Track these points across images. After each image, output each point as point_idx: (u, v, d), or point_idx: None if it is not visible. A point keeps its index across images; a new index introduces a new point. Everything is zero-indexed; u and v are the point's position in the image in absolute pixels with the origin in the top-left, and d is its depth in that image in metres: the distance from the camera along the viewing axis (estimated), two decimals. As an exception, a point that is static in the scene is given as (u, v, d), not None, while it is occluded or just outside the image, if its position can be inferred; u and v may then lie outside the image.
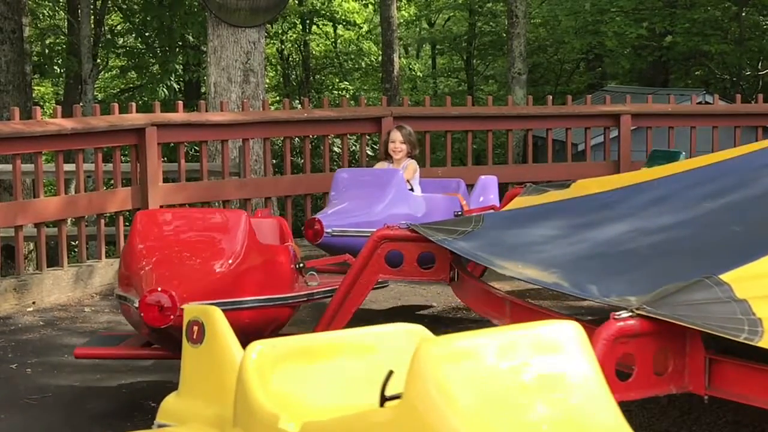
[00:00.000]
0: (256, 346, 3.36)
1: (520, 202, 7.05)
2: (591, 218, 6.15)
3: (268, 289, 5.68)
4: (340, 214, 7.69)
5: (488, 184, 9.07)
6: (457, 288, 6.24)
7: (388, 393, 2.84)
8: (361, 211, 7.74)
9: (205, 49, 15.24)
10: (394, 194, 7.97)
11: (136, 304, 5.09)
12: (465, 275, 6.05)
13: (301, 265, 6.32)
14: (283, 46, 30.74)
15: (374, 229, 7.23)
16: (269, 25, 25.13)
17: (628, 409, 5.61)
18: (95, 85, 22.26)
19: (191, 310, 3.96)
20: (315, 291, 6.29)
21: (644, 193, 6.34)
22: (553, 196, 6.91)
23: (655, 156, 10.01)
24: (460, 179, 9.30)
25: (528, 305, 5.36)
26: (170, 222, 5.85)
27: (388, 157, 8.88)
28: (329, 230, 7.46)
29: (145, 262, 5.37)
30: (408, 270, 6.14)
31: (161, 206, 9.68)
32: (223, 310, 4.68)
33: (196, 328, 3.84)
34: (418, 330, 3.48)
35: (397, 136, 8.83)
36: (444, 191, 8.87)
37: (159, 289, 5.07)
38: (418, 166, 8.87)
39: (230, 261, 5.49)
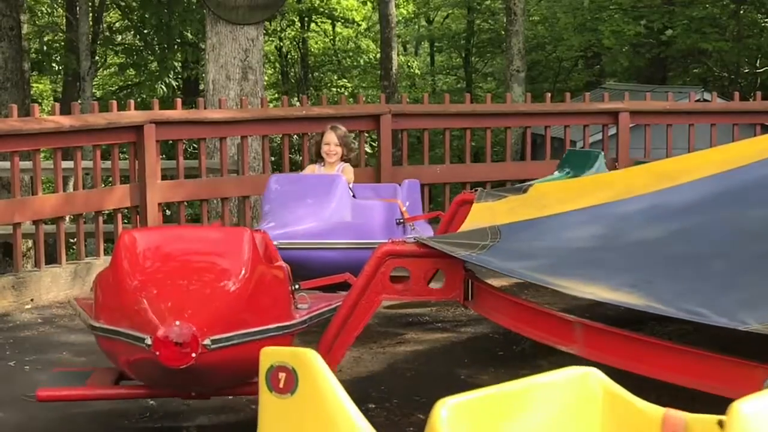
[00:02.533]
0: (446, 402, 2.90)
1: (481, 209, 6.73)
2: (635, 225, 5.66)
3: (275, 314, 4.95)
4: (285, 226, 7.04)
5: (412, 188, 8.52)
6: (478, 306, 5.65)
7: None
8: (307, 222, 7.14)
9: (203, 46, 15.24)
10: (339, 201, 7.41)
11: (148, 342, 4.32)
12: (498, 293, 5.55)
13: (297, 286, 5.54)
14: (281, 44, 30.71)
15: (323, 241, 7.00)
16: (268, 23, 25.11)
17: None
18: (93, 83, 22.24)
19: (273, 353, 3.25)
20: (314, 314, 5.41)
21: (677, 195, 5.87)
22: (516, 201, 6.69)
23: (570, 157, 9.91)
24: (396, 184, 8.65)
25: (608, 329, 4.76)
26: (162, 241, 5.07)
27: (319, 159, 8.34)
28: (275, 244, 6.59)
29: (142, 290, 4.63)
30: (416, 288, 5.57)
31: (159, 204, 9.68)
32: (244, 343, 4.50)
33: (283, 375, 3.21)
34: (594, 374, 3.13)
35: (331, 137, 8.24)
36: (377, 196, 8.24)
37: (177, 323, 4.34)
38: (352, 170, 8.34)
39: (240, 284, 4.73)
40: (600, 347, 4.61)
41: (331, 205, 7.30)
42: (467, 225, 6.36)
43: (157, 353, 4.30)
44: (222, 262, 4.86)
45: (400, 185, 8.56)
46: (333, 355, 5.35)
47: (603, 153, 9.70)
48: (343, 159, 8.27)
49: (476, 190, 7.26)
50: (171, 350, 4.30)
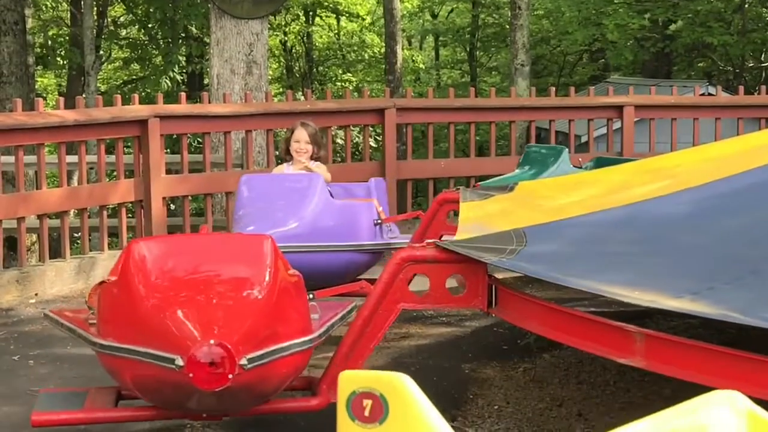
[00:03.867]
0: None
1: (470, 208, 6.43)
2: (677, 226, 5.33)
3: (299, 327, 4.53)
4: (267, 229, 6.48)
5: (380, 187, 8.08)
6: (505, 313, 5.27)
7: None
8: (288, 224, 6.71)
9: (208, 40, 15.21)
10: (319, 202, 6.95)
11: (179, 363, 3.91)
12: (535, 300, 5.17)
13: (312, 295, 5.15)
14: (286, 38, 30.72)
15: (306, 244, 6.59)
16: (272, 17, 25.10)
17: (630, 401, 5.64)
18: (98, 77, 22.26)
19: (354, 378, 2.84)
20: (328, 324, 4.95)
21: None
22: (505, 200, 6.51)
23: (532, 153, 9.86)
24: (369, 183, 8.12)
25: (676, 340, 4.41)
26: (177, 251, 4.62)
27: (288, 157, 7.85)
28: None
29: (164, 305, 4.20)
30: (436, 296, 5.22)
31: (164, 198, 9.68)
32: (276, 359, 4.15)
33: (368, 402, 2.80)
34: (737, 398, 2.72)
35: (302, 134, 7.74)
36: (349, 196, 7.76)
37: (211, 341, 3.93)
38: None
39: (267, 296, 4.31)
40: (666, 359, 4.27)
41: (311, 206, 6.88)
42: (463, 226, 6.03)
43: (191, 375, 3.92)
44: (245, 272, 4.45)
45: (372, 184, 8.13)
46: (349, 367, 4.90)
47: (567, 149, 9.65)
48: (313, 157, 7.81)
49: (458, 189, 7.03)
50: (206, 372, 3.92)
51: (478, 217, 6.21)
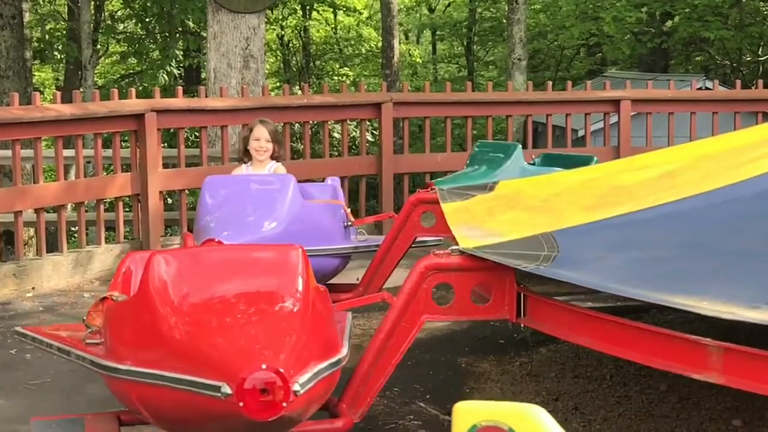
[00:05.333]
0: None
1: (455, 210, 6.16)
2: (729, 228, 4.98)
3: (333, 343, 4.13)
4: (243, 234, 6.27)
5: (337, 187, 7.73)
6: (538, 324, 4.96)
7: None
8: (265, 228, 6.45)
9: (205, 34, 15.22)
10: (293, 204, 6.69)
11: (226, 390, 3.47)
12: (581, 311, 4.79)
13: None
14: (283, 32, 30.69)
15: None
16: (269, 11, 25.10)
17: (627, 395, 5.65)
18: (95, 71, 22.24)
19: (475, 410, 2.54)
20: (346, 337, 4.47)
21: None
22: (491, 200, 6.29)
23: (483, 150, 9.82)
24: (335, 183, 7.76)
25: (757, 352, 3.99)
26: (202, 264, 4.12)
27: (246, 158, 7.50)
28: None
29: (198, 326, 3.78)
30: (461, 307, 4.93)
31: (161, 192, 9.68)
32: (319, 381, 3.74)
33: None
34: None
35: (261, 132, 7.40)
36: (308, 197, 7.25)
37: (263, 365, 3.49)
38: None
39: (305, 312, 3.92)
40: (748, 374, 3.95)
41: (286, 209, 6.61)
42: (457, 230, 5.71)
43: (241, 404, 3.48)
44: (280, 286, 4.02)
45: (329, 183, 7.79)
46: (370, 385, 4.74)
47: (520, 145, 9.63)
48: (274, 156, 7.46)
49: (432, 189, 6.73)
50: (258, 400, 3.48)
51: (467, 219, 5.98)
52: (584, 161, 9.44)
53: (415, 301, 4.82)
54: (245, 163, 7.52)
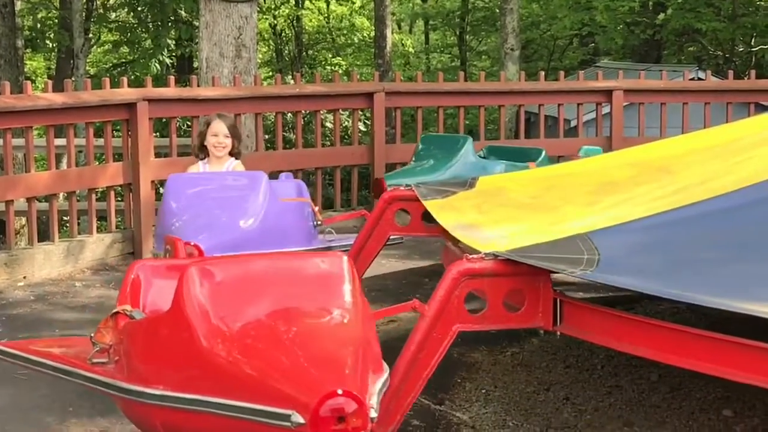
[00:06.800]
0: None
1: (441, 207, 6.00)
2: None
3: (379, 359, 3.73)
4: (222, 235, 6.00)
5: (301, 185, 7.27)
6: (579, 332, 4.66)
7: None
8: (243, 229, 6.15)
9: (197, 24, 15.17)
10: (268, 203, 6.34)
11: (297, 419, 3.06)
12: (639, 318, 4.47)
13: None
14: (275, 21, 30.65)
15: (251, 251, 5.79)
16: (262, 0, 25.05)
17: (618, 384, 5.66)
18: (87, 60, 22.21)
19: None
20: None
21: None
22: (477, 197, 6.15)
23: (430, 143, 9.81)
24: (300, 181, 7.44)
25: None
26: (245, 276, 3.65)
27: (203, 152, 7.08)
28: None
29: (250, 346, 3.34)
30: (494, 315, 4.62)
31: (152, 181, 9.66)
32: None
33: None
34: None
35: (220, 127, 6.95)
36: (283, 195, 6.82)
37: (339, 390, 3.06)
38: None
39: (361, 328, 3.53)
40: None
41: (261, 208, 6.28)
42: (452, 227, 5.62)
43: None
44: (333, 301, 3.60)
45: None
46: (400, 401, 4.43)
47: (471, 138, 9.62)
48: (233, 153, 7.06)
49: (408, 187, 6.42)
50: (333, 429, 3.06)
51: (458, 218, 5.82)
52: (530, 153, 9.51)
53: (446, 310, 4.50)
54: (201, 159, 7.10)
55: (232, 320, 3.43)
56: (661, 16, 23.45)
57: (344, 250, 6.84)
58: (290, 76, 21.27)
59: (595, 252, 4.61)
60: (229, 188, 6.41)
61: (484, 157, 9.75)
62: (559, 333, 4.76)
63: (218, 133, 6.94)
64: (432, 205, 6.03)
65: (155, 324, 3.82)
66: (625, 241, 4.86)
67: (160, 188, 12.90)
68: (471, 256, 4.61)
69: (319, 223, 6.91)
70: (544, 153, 9.46)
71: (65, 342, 5.05)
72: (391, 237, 6.69)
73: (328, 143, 13.52)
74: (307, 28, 32.40)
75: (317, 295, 3.59)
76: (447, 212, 5.93)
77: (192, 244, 5.44)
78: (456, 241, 5.71)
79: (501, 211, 5.91)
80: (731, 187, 5.20)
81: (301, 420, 3.04)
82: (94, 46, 26.71)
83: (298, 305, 3.55)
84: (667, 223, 4.98)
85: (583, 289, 6.82)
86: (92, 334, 4.21)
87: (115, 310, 4.24)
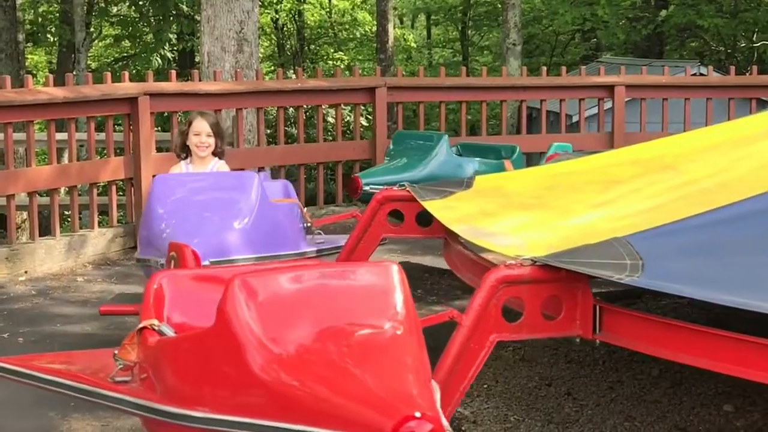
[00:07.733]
0: None
1: (441, 208, 5.90)
2: None
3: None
4: (218, 238, 5.90)
5: (288, 185, 7.40)
6: (624, 341, 4.45)
7: None
8: (239, 233, 6.04)
9: (198, 18, 15.14)
10: (262, 205, 6.24)
11: None
12: (676, 322, 4.28)
13: None
14: (277, 16, 30.60)
15: (261, 255, 5.91)
16: (263, -5, 25.01)
17: (619, 380, 5.65)
18: (89, 54, 22.20)
19: None
20: None
21: None
22: (477, 198, 6.07)
23: (403, 140, 9.81)
24: (286, 181, 7.44)
25: None
26: (294, 290, 3.41)
27: (185, 152, 6.89)
28: (206, 263, 5.41)
29: (312, 367, 3.14)
30: (532, 323, 4.42)
31: (154, 176, 9.65)
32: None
33: None
34: None
35: (202, 126, 6.73)
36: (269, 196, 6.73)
37: (416, 414, 2.84)
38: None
39: (420, 343, 3.38)
40: None
41: (255, 210, 6.18)
42: (460, 229, 5.53)
43: None
44: (389, 312, 3.39)
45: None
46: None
47: (447, 135, 9.61)
48: (216, 152, 6.82)
49: (402, 187, 6.29)
50: None
51: (463, 219, 5.70)
52: (504, 150, 9.54)
53: (483, 319, 4.31)
54: (183, 159, 6.92)
55: (285, 338, 3.24)
56: (663, 12, 23.43)
57: (335, 253, 6.81)
58: (292, 71, 21.20)
59: (637, 257, 4.43)
60: (226, 188, 6.30)
61: (459, 155, 9.76)
62: (598, 341, 4.57)
63: (200, 132, 6.74)
64: (432, 206, 5.95)
65: (197, 341, 3.57)
66: (667, 245, 4.66)
67: (162, 183, 12.86)
68: (509, 263, 4.41)
69: (308, 224, 6.82)
70: (518, 149, 9.54)
71: (67, 358, 4.85)
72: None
73: (330, 138, 13.51)
74: (308, 22, 32.36)
75: (370, 308, 3.39)
76: (448, 213, 5.85)
77: (190, 248, 5.23)
78: (459, 241, 5.67)
79: (510, 213, 5.82)
80: (747, 179, 5.09)
81: None
82: (96, 41, 26.70)
83: (357, 320, 3.34)
84: (710, 224, 4.79)
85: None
86: (115, 351, 3.97)
87: (141, 325, 3.97)
